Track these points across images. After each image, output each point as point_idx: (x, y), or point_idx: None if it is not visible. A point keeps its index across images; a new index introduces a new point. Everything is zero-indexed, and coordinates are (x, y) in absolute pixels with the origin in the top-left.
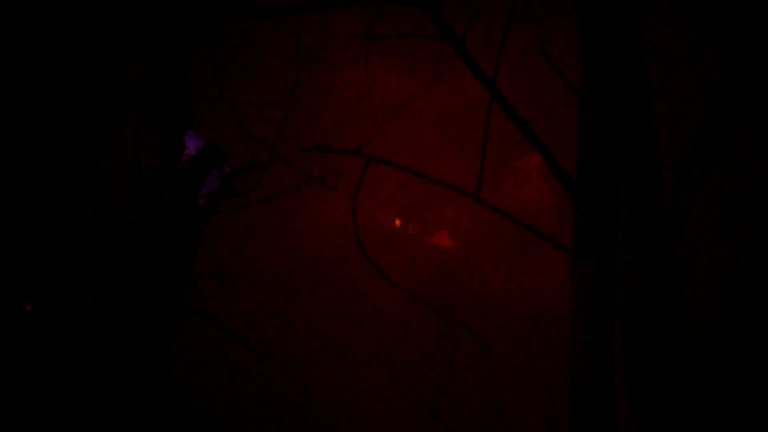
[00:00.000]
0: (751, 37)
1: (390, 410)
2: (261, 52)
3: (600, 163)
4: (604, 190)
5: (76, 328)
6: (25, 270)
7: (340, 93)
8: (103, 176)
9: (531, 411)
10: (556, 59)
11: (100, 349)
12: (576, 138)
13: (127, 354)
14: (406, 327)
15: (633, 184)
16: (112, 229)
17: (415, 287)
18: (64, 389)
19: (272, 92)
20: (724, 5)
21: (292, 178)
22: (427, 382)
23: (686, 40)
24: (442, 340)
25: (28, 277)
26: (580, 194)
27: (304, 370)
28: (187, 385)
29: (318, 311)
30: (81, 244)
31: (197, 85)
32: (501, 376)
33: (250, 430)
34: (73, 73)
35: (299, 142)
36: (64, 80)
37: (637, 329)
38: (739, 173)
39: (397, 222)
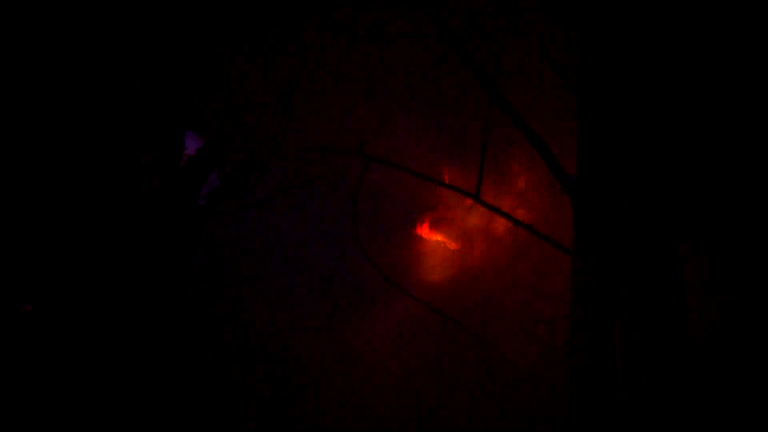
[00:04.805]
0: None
1: (390, 410)
2: (261, 52)
3: (600, 163)
4: (604, 190)
5: (76, 328)
6: (25, 270)
7: (340, 93)
8: (103, 176)
9: (531, 411)
10: (556, 59)
11: (100, 349)
12: (576, 138)
13: (127, 354)
14: (406, 327)
15: (633, 185)
16: (113, 230)
17: (415, 287)
18: (64, 389)
19: (272, 92)
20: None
21: (292, 178)
22: (427, 382)
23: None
24: (441, 340)
25: (28, 277)
26: (580, 194)
27: (304, 369)
28: (187, 384)
29: (318, 311)
30: (81, 244)
31: (197, 85)
32: (501, 376)
33: (251, 431)
34: (74, 73)
35: (299, 142)
36: (65, 81)
37: (636, 329)
38: (740, 173)
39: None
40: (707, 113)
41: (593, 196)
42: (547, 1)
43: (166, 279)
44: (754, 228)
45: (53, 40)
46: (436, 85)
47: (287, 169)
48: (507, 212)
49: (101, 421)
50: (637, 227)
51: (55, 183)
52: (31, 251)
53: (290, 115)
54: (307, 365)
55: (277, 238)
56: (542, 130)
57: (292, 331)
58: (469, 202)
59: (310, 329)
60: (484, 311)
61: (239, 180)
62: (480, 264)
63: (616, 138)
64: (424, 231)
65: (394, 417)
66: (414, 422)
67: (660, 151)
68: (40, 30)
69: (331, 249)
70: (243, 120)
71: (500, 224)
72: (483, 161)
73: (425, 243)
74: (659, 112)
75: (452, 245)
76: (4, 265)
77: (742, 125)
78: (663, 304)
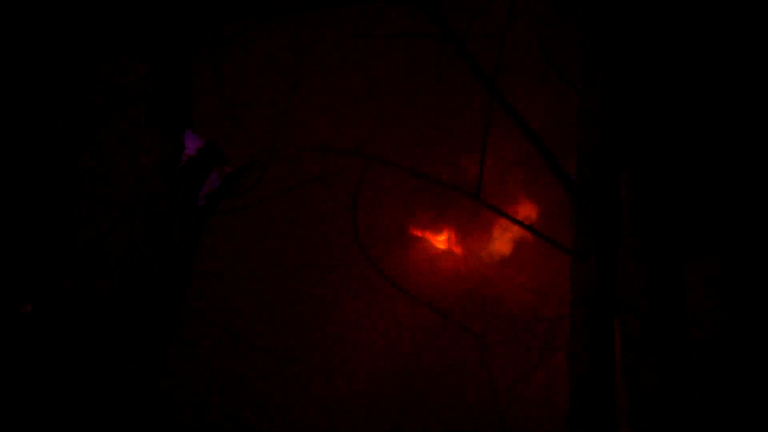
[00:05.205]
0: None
1: (390, 410)
2: (261, 52)
3: (600, 163)
4: (604, 190)
5: (76, 328)
6: (25, 270)
7: (340, 93)
8: (103, 176)
9: (531, 411)
10: (556, 59)
11: (100, 349)
12: (576, 138)
13: (127, 354)
14: (406, 327)
15: (633, 184)
16: (112, 230)
17: (415, 287)
18: (65, 389)
19: (272, 92)
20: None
21: (292, 178)
22: (426, 382)
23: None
24: (441, 339)
25: (28, 277)
26: (580, 194)
27: (304, 369)
28: (187, 385)
29: (318, 311)
30: (81, 244)
31: (197, 85)
32: (501, 376)
33: (250, 430)
34: (74, 73)
35: (299, 142)
36: (65, 80)
37: (636, 328)
38: (740, 173)
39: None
40: (708, 113)
41: (593, 196)
42: (547, 1)
43: (166, 279)
44: (754, 228)
45: (52, 39)
46: (436, 85)
47: (287, 169)
48: (507, 212)
49: (101, 421)
50: (638, 227)
51: (54, 183)
52: (32, 251)
53: (290, 115)
54: (307, 365)
55: (277, 238)
56: (542, 130)
57: (292, 331)
58: (468, 202)
59: (309, 329)
60: (484, 311)
61: (239, 180)
62: (480, 264)
63: (616, 138)
64: (424, 231)
65: (394, 417)
66: (414, 422)
67: (661, 151)
68: (38, 29)
69: (330, 249)
70: (243, 120)
71: (500, 224)
72: (483, 161)
73: (425, 243)
74: (660, 112)
75: (452, 245)
76: (4, 265)
77: (743, 125)
78: (663, 303)
